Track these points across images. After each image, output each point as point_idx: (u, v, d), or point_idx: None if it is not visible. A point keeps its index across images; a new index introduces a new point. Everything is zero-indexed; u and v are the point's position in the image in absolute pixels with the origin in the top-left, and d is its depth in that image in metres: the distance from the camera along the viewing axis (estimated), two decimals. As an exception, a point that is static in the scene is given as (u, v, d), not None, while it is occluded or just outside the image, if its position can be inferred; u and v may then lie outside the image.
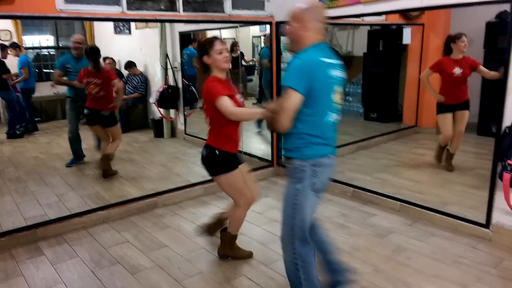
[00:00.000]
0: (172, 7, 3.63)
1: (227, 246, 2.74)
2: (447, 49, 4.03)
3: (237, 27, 4.93)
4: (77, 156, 4.84)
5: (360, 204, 3.61)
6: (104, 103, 4.22)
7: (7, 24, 7.19)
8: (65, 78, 4.54)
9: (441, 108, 4.15)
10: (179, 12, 3.64)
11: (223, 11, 3.93)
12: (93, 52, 4.14)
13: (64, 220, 3.25)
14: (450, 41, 4.00)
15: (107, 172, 4.34)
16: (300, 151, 1.95)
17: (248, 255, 2.77)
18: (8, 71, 6.16)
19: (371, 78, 6.33)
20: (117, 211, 3.47)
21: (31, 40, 8.00)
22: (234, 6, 3.97)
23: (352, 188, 3.80)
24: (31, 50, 7.79)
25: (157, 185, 3.99)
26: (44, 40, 8.03)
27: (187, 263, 2.73)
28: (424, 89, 4.97)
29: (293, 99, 1.82)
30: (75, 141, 4.78)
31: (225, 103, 2.33)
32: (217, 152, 2.46)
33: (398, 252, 2.77)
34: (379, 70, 6.20)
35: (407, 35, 5.75)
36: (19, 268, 2.72)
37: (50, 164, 4.97)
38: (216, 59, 2.42)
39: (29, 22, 7.57)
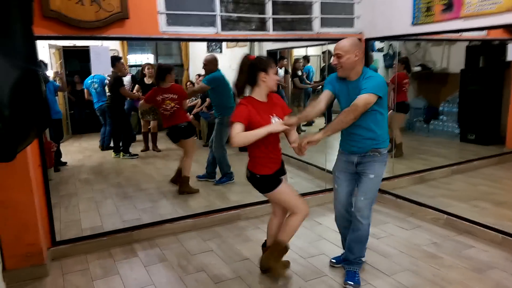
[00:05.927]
0: (262, 27, 3.76)
1: (275, 256, 2.66)
2: None
3: (324, 44, 4.93)
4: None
5: (455, 234, 3.32)
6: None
7: (115, 44, 8.06)
8: None
9: None
10: (269, 31, 3.76)
11: (311, 29, 3.96)
12: None
13: (156, 225, 3.49)
14: None
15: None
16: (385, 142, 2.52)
17: (285, 272, 2.74)
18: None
19: (469, 97, 5.85)
20: (203, 220, 3.64)
21: (134, 58, 8.87)
22: (322, 24, 3.98)
23: (445, 215, 3.51)
24: (134, 68, 8.62)
25: (241, 198, 4.10)
26: (145, 58, 8.83)
27: (267, 278, 2.74)
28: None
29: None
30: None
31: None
32: (258, 176, 2.59)
33: (500, 291, 2.49)
34: (478, 88, 5.72)
35: None
36: (116, 267, 2.98)
37: (146, 171, 5.40)
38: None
39: (134, 42, 8.36)
